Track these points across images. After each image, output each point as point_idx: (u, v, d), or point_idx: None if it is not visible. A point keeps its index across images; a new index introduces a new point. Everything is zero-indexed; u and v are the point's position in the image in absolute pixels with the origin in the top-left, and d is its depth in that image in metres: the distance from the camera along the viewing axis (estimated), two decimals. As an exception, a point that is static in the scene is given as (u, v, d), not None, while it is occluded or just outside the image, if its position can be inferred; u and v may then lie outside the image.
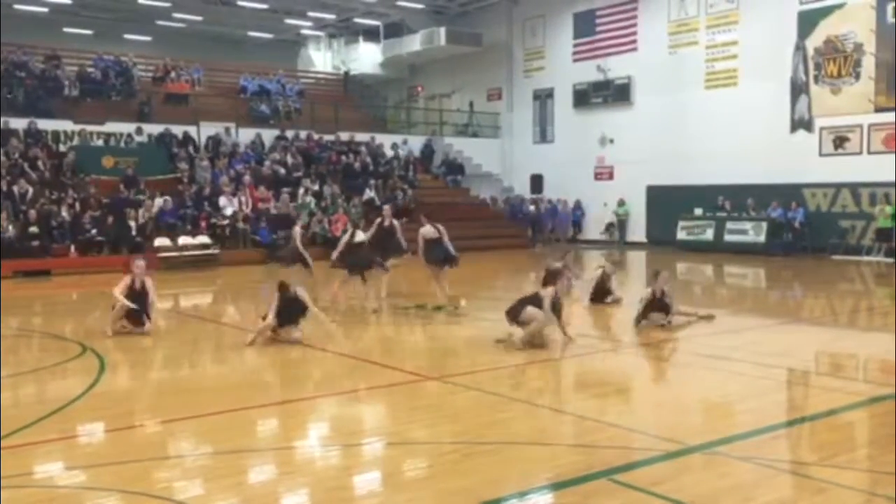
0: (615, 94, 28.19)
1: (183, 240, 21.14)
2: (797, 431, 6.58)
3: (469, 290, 14.23)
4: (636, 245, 27.12)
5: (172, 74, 29.45)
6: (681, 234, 25.06)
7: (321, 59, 38.03)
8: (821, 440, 6.24)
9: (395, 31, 34.11)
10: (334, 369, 9.18)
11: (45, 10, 31.41)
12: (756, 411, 6.89)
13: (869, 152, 22.18)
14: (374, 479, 5.49)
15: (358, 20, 34.43)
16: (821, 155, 23.20)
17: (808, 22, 23.25)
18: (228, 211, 22.81)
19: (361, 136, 29.53)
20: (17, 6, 30.51)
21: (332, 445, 6.24)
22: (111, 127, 24.94)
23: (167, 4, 31.42)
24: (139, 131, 25.26)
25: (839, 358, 9.81)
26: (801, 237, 22.93)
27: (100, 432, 6.65)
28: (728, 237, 24.02)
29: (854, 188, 22.27)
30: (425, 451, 5.92)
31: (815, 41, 23.20)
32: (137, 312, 10.55)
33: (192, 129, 26.12)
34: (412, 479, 5.47)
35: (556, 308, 9.58)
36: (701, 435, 6.21)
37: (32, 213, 19.75)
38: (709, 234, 24.53)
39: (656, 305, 10.80)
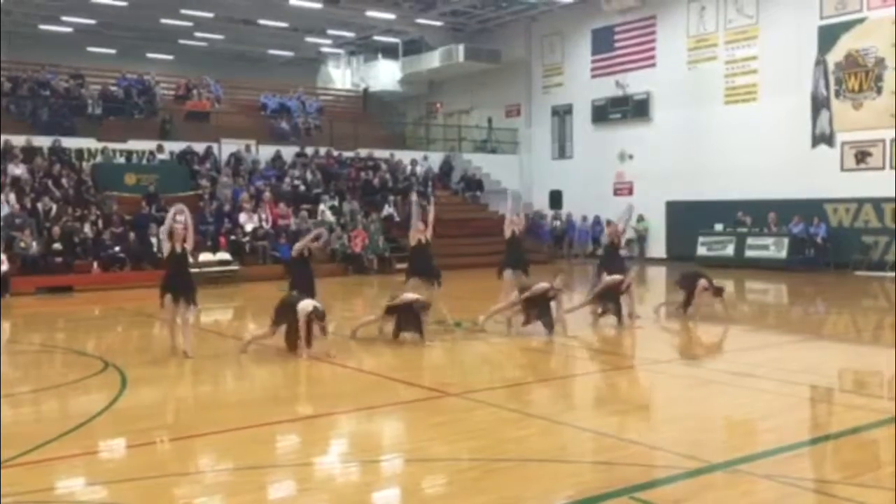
0: (634, 109, 28.13)
1: (203, 256, 21.25)
2: (821, 449, 6.51)
3: (488, 306, 14.15)
4: (656, 261, 26.97)
5: (194, 92, 29.78)
6: (701, 250, 24.87)
7: (340, 77, 38.26)
8: (845, 458, 6.17)
9: (414, 48, 34.25)
10: (354, 385, 9.18)
11: (69, 30, 31.85)
12: (779, 429, 6.82)
13: (892, 167, 21.92)
14: (394, 495, 5.49)
15: (377, 38, 34.61)
16: (842, 170, 22.99)
17: (828, 36, 23.13)
18: (248, 227, 22.96)
19: (380, 153, 29.63)
20: (41, 26, 30.99)
21: (352, 461, 6.24)
22: (133, 145, 25.20)
23: (189, 24, 31.75)
24: (160, 149, 25.48)
25: (863, 375, 9.70)
26: (823, 253, 22.70)
27: (121, 448, 6.68)
28: (749, 253, 23.82)
29: (877, 203, 22.03)
30: (444, 468, 5.90)
31: (835, 56, 23.05)
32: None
33: (212, 147, 26.37)
34: (431, 495, 5.46)
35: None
36: (723, 452, 6.15)
37: (56, 230, 19.96)
38: (729, 250, 24.33)
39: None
